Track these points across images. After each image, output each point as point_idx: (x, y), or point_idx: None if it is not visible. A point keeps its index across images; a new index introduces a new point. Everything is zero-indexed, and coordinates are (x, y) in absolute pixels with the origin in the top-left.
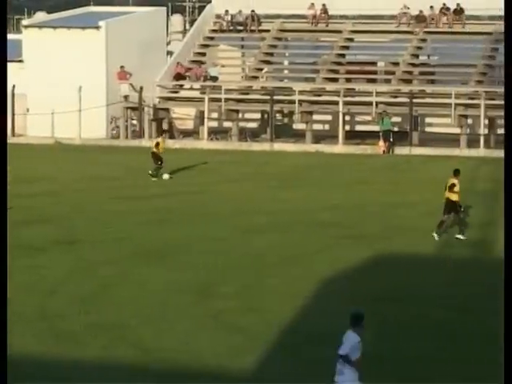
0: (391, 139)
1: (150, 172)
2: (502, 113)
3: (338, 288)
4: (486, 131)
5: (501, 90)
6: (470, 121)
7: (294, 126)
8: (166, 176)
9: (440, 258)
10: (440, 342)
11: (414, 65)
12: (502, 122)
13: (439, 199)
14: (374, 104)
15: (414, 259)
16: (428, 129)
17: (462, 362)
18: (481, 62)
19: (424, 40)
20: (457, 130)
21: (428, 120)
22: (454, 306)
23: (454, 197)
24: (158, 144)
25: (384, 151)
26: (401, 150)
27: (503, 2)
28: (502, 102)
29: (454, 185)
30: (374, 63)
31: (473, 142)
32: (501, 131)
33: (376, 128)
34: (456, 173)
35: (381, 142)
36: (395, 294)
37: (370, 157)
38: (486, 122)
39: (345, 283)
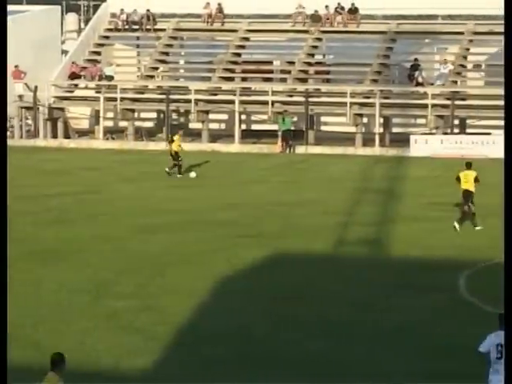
0: (291, 139)
1: (167, 170)
2: (396, 111)
3: (236, 287)
4: (381, 130)
5: (396, 88)
6: (365, 119)
7: (190, 126)
8: (193, 174)
9: (336, 256)
10: (338, 341)
11: (309, 64)
12: (396, 120)
13: (336, 197)
14: (270, 103)
15: (312, 257)
16: (324, 128)
17: (360, 361)
18: (376, 61)
19: (319, 39)
20: (352, 129)
21: (324, 119)
22: (351, 304)
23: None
24: (172, 141)
25: (281, 150)
26: (297, 149)
27: (503, 2)
28: (397, 101)
29: (477, 177)
30: (269, 62)
31: (368, 141)
32: (395, 130)
33: (272, 127)
34: (468, 165)
35: (279, 142)
36: (293, 293)
37: (266, 156)
38: (381, 120)
39: (243, 282)
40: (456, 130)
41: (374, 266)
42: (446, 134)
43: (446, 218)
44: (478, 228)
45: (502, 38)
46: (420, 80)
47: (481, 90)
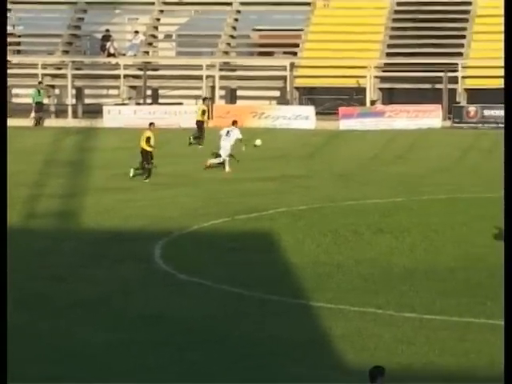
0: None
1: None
2: (89, 82)
3: None
4: (74, 101)
5: (87, 59)
6: (57, 91)
7: None
8: (258, 142)
9: (29, 229)
10: (36, 313)
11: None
12: (89, 91)
13: (27, 170)
14: None
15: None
16: (16, 100)
17: (56, 334)
18: (67, 32)
19: (8, 10)
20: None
21: (16, 91)
22: (47, 276)
23: (149, 148)
24: (204, 112)
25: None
26: None
27: (504, 2)
28: (89, 72)
29: (149, 138)
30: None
31: (61, 112)
32: (88, 101)
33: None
34: (150, 125)
35: (33, 114)
36: None
37: None
38: (74, 91)
39: None
40: (149, 101)
41: (68, 237)
42: (138, 104)
43: (140, 188)
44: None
45: (192, 8)
46: (112, 51)
47: (172, 60)
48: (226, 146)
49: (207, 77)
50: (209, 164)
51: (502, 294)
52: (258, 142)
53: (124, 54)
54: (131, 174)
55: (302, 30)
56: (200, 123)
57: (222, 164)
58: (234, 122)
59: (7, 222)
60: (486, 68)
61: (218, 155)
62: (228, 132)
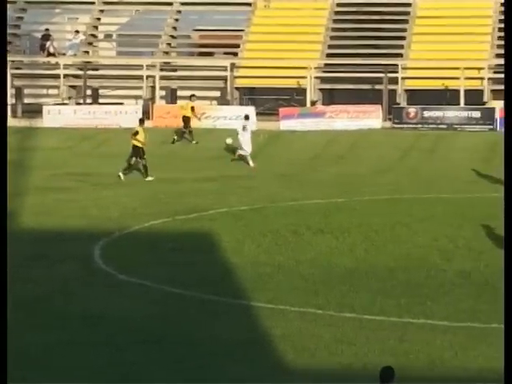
0: None
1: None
2: (28, 82)
3: None
4: (14, 101)
5: (27, 59)
6: None
7: None
8: (229, 140)
9: None
10: None
11: None
12: (28, 91)
13: None
14: None
15: None
16: None
17: None
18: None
19: None
20: None
21: None
22: None
23: (139, 143)
24: (193, 108)
25: None
26: None
27: (504, 2)
28: (29, 72)
29: (137, 132)
30: None
31: None
32: (28, 100)
33: None
34: (141, 121)
35: None
36: None
37: None
38: (13, 91)
39: None
40: (89, 101)
41: (8, 237)
42: (78, 104)
43: (80, 188)
44: (149, 179)
45: (133, 7)
46: (52, 50)
47: (112, 59)
48: (245, 141)
49: (148, 77)
50: (238, 155)
51: (502, 294)
52: (229, 140)
53: (64, 54)
54: (122, 178)
55: (242, 31)
56: (187, 119)
57: (245, 159)
58: (247, 117)
59: (7, 222)
60: (425, 69)
61: (241, 149)
62: (244, 127)
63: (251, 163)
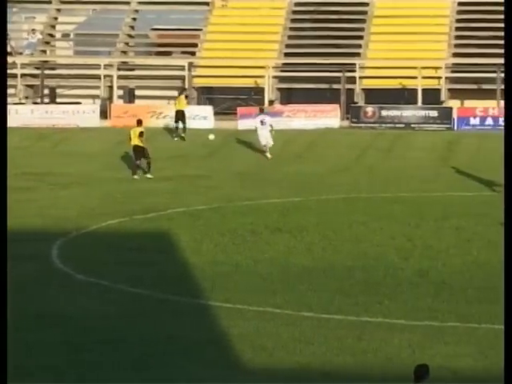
0: None
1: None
2: None
3: None
4: None
5: None
6: None
7: None
8: (211, 136)
9: None
10: None
11: None
12: None
13: None
14: None
15: None
16: None
17: None
18: None
19: None
20: None
21: None
22: None
23: (143, 143)
24: (187, 99)
25: None
26: None
27: (504, 2)
28: None
29: (142, 132)
30: None
31: None
32: None
33: None
34: (139, 122)
35: None
36: None
37: None
38: None
39: None
40: (46, 100)
41: None
42: (36, 103)
43: (37, 187)
44: (149, 176)
45: (90, 7)
46: (9, 49)
47: (70, 59)
48: (264, 134)
49: (105, 76)
50: (264, 147)
51: (502, 294)
52: (211, 136)
53: (21, 53)
54: (137, 177)
55: (200, 30)
56: (182, 112)
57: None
58: (261, 110)
59: (7, 222)
60: (383, 68)
61: (263, 141)
62: (262, 121)
63: (268, 155)
